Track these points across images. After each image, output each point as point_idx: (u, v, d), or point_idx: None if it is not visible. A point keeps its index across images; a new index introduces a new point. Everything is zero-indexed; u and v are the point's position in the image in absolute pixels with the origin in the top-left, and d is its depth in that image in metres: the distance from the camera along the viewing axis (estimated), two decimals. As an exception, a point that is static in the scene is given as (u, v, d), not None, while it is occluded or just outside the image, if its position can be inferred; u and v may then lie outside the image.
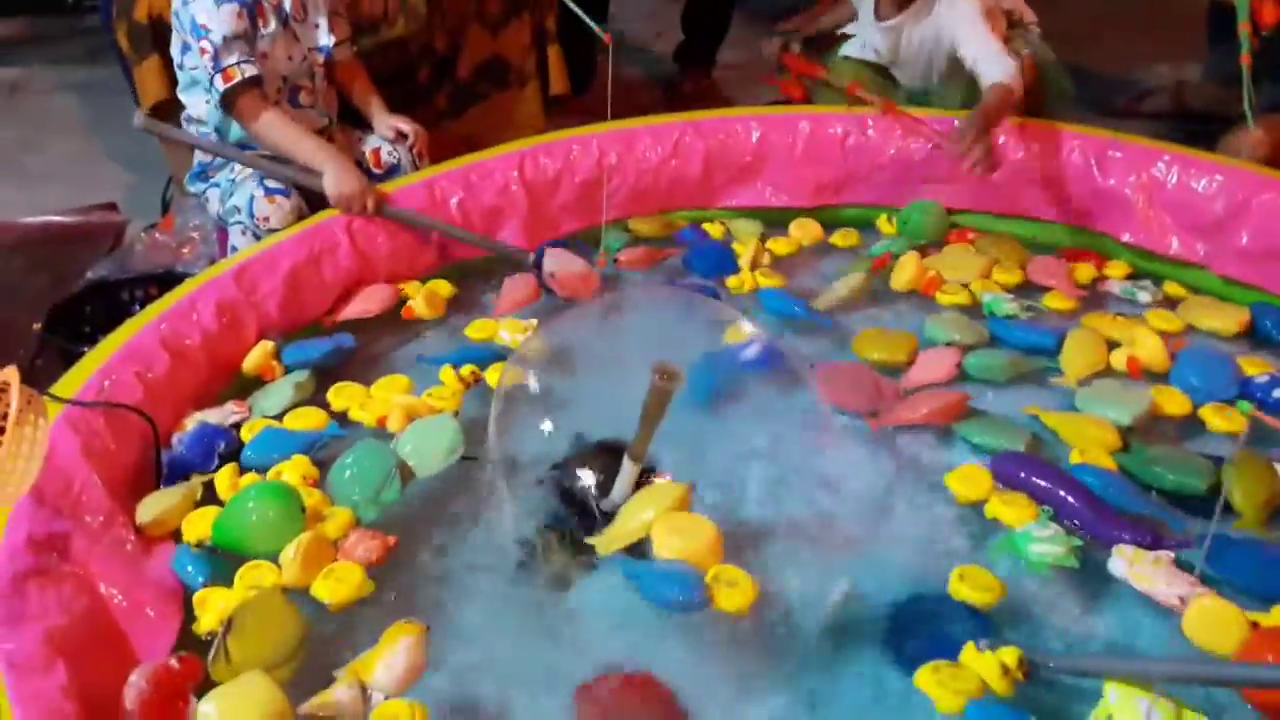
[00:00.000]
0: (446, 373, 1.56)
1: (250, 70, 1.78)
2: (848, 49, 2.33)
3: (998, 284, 1.81)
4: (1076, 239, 1.98)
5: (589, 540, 1.25)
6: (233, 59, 1.78)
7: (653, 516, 1.23)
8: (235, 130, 1.89)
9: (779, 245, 1.96)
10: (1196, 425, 1.51)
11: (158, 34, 2.07)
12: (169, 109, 2.06)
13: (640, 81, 3.33)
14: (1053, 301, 1.78)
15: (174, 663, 1.07)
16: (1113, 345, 1.63)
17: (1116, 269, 1.90)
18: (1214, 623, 1.15)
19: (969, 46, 2.02)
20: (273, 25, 1.85)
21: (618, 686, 1.12)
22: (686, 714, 1.10)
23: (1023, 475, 1.35)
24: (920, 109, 2.10)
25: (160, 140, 2.18)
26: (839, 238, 2.00)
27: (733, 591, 1.17)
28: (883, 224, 2.04)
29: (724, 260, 1.90)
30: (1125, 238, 1.92)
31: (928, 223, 1.99)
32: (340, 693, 1.06)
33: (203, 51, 1.78)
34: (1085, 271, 1.87)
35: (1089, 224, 1.97)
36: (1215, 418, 1.50)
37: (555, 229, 1.99)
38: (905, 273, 1.82)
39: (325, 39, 1.94)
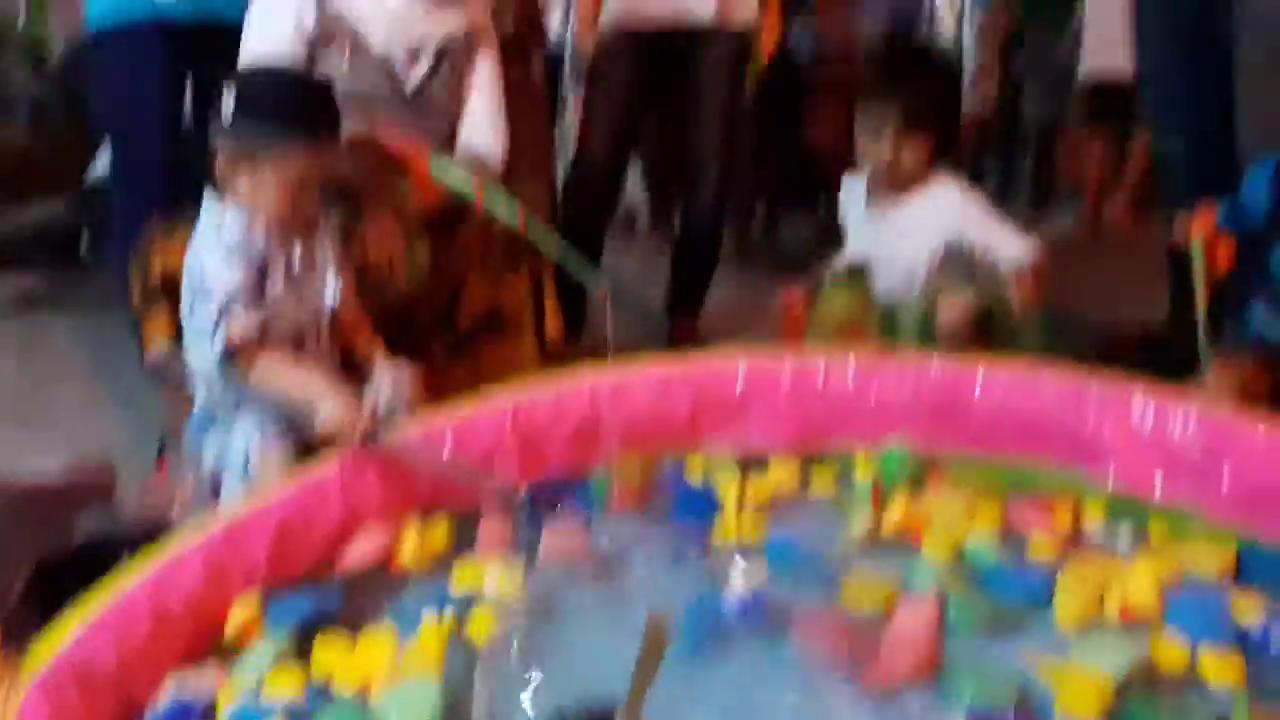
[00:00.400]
0: (427, 627, 1.53)
1: (252, 330, 1.86)
2: (838, 261, 2.47)
3: (981, 530, 1.81)
4: (1055, 480, 1.99)
5: None
6: (236, 318, 1.85)
7: None
8: (232, 392, 1.94)
9: (760, 488, 1.96)
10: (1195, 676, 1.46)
11: (169, 289, 2.16)
12: (171, 360, 2.12)
13: (631, 328, 3.46)
14: (1037, 549, 1.77)
15: None
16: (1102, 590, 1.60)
17: (1093, 510, 1.90)
18: None
19: (978, 230, 2.21)
20: (280, 283, 1.94)
21: None
22: None
23: None
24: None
25: (162, 388, 2.24)
26: (817, 481, 2.00)
27: None
28: (859, 464, 2.06)
29: (708, 504, 1.90)
30: (1108, 480, 1.93)
31: (905, 465, 2.01)
32: None
33: (210, 310, 1.86)
34: (1064, 516, 1.88)
35: (1069, 465, 1.99)
36: (1213, 667, 1.46)
37: (547, 476, 2.01)
38: (892, 517, 1.82)
39: (332, 296, 2.03)
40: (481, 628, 1.52)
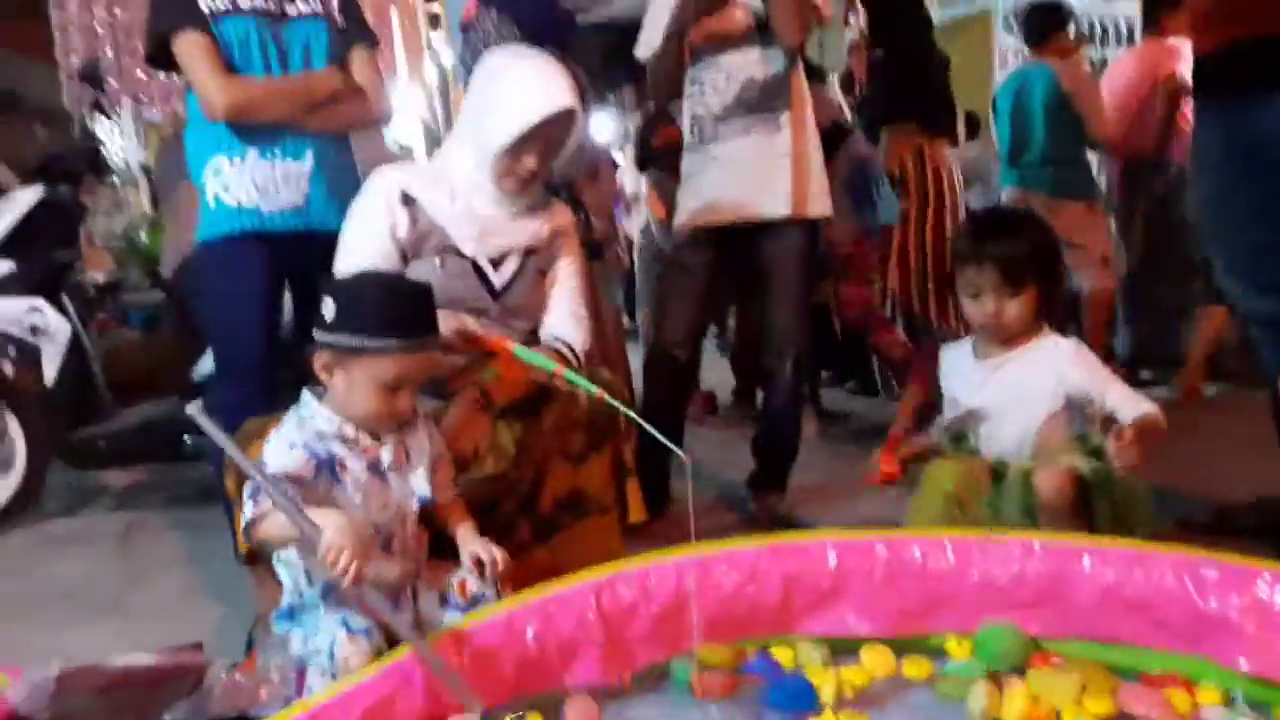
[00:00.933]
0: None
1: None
2: (941, 423, 2.46)
3: (1090, 713, 1.68)
4: (1176, 666, 1.86)
5: None
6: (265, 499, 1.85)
7: None
8: (319, 585, 1.96)
9: (854, 675, 1.88)
10: None
11: None
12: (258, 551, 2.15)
13: (713, 506, 3.42)
14: None
15: None
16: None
17: (1207, 694, 1.76)
18: None
19: (1099, 389, 2.21)
20: (364, 478, 1.98)
21: None
22: None
23: None
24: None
25: (255, 580, 2.27)
26: (910, 665, 1.92)
27: None
28: (952, 647, 1.96)
29: (802, 692, 1.82)
30: (1240, 664, 1.80)
31: (1005, 647, 1.91)
32: None
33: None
34: (1181, 699, 1.74)
35: (1193, 649, 1.86)
36: None
37: (632, 660, 1.95)
38: (1014, 705, 1.72)
39: (424, 487, 2.06)
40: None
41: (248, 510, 1.89)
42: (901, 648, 1.98)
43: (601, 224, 3.47)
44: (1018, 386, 2.34)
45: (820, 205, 3.16)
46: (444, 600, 2.05)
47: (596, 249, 3.51)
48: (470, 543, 2.09)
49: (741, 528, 3.07)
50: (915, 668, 1.92)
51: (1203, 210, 2.36)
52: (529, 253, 2.51)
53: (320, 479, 1.93)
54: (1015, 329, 2.35)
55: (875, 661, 1.93)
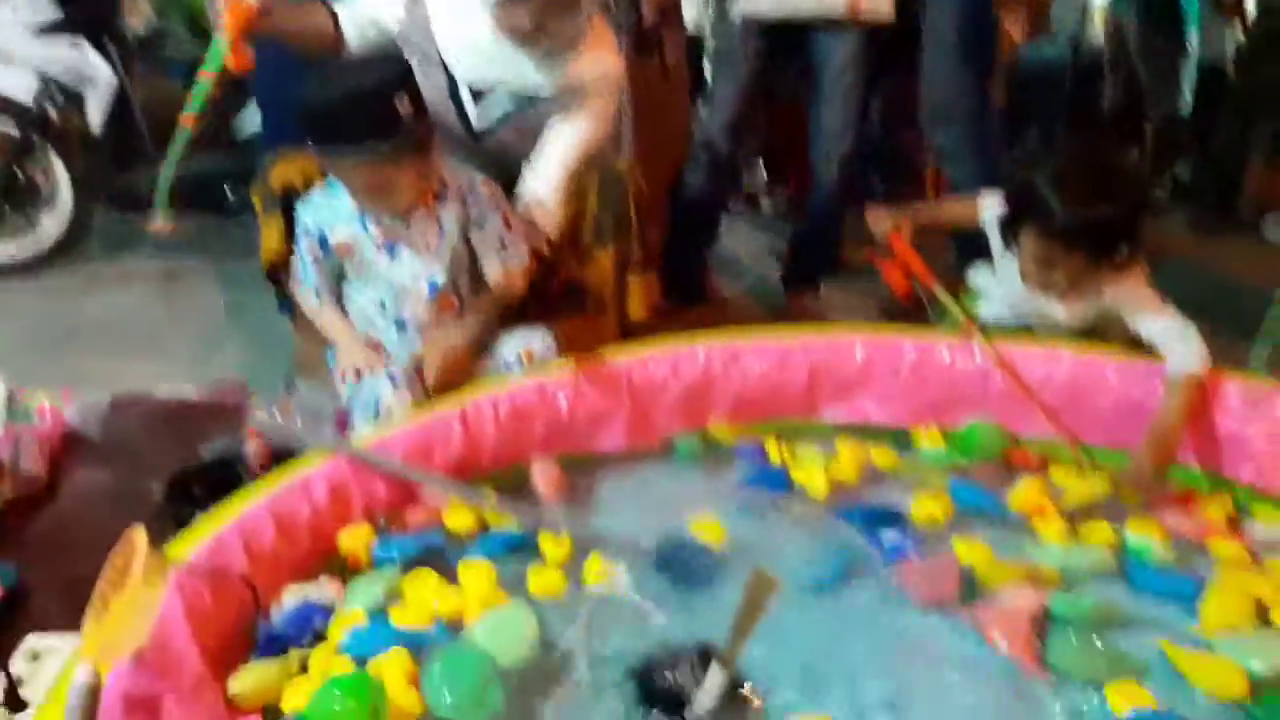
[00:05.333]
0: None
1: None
2: (981, 279, 2.26)
3: (1140, 525, 1.71)
4: (1184, 478, 1.91)
5: None
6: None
7: None
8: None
9: (842, 470, 1.90)
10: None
11: (285, 200, 2.25)
12: (284, 264, 2.23)
13: (745, 299, 3.46)
14: (1215, 546, 1.67)
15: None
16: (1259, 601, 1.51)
17: (1265, 513, 1.79)
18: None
19: (1147, 324, 1.93)
20: (378, 258, 2.07)
21: None
22: None
23: None
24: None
25: (294, 326, 2.35)
26: (878, 457, 1.95)
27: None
28: (920, 438, 2.01)
29: (775, 479, 1.88)
30: (1245, 479, 1.85)
31: (985, 442, 1.97)
32: None
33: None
34: (1217, 510, 1.78)
35: (1204, 465, 1.90)
36: None
37: (657, 433, 2.03)
38: (1027, 492, 1.80)
39: (437, 274, 2.10)
40: (593, 568, 1.55)
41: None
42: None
43: (651, 12, 3.27)
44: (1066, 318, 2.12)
45: (879, 6, 3.01)
46: (508, 369, 2.09)
47: (644, 42, 3.31)
48: (522, 335, 2.12)
49: (773, 321, 3.11)
50: (882, 458, 1.95)
51: None
52: (529, 100, 2.28)
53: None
54: (1078, 289, 2.03)
55: (856, 455, 1.94)
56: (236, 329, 3.21)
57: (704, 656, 1.31)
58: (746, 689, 1.32)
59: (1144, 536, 1.68)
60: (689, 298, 3.31)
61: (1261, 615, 1.50)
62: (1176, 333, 1.90)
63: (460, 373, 2.04)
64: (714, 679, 1.26)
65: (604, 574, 1.52)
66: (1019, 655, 1.40)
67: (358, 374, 2.04)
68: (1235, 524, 1.77)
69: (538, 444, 1.92)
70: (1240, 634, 1.45)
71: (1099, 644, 1.43)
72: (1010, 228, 2.04)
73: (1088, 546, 1.67)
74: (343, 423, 2.04)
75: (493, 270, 2.13)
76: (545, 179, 2.25)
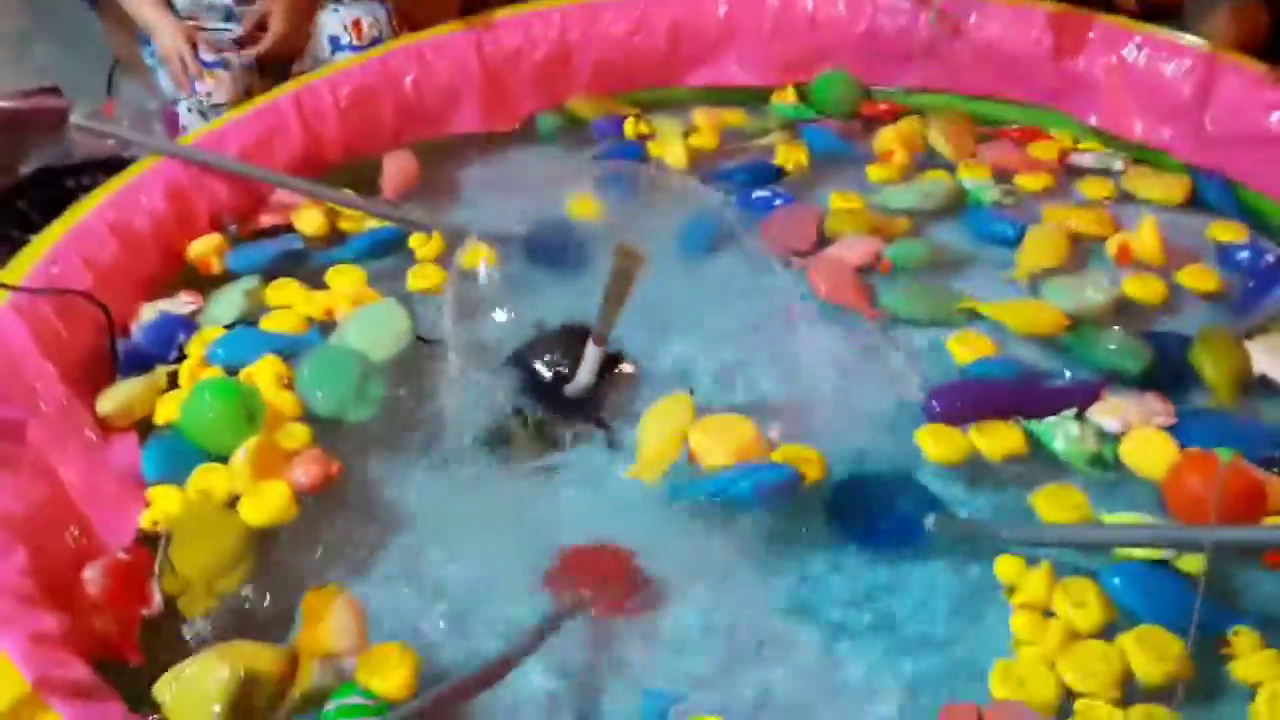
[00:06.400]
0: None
1: None
2: None
3: (975, 167, 1.77)
4: (1033, 119, 1.94)
5: (627, 474, 1.21)
6: None
7: (680, 428, 1.21)
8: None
9: (700, 138, 1.88)
10: (1164, 309, 1.50)
11: None
12: None
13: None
14: (1027, 182, 1.75)
15: (123, 555, 1.07)
16: (1077, 237, 1.60)
17: (1061, 142, 1.86)
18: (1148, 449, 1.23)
19: None
20: None
21: (583, 553, 1.13)
22: (651, 581, 1.12)
23: (960, 405, 1.29)
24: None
25: (100, 20, 2.10)
26: (733, 119, 1.92)
27: (810, 466, 1.19)
28: (777, 96, 1.99)
29: (629, 153, 1.84)
30: (1091, 120, 1.88)
31: (838, 94, 1.96)
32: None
33: None
34: (1045, 149, 1.84)
35: (1051, 104, 1.93)
36: (1190, 279, 1.53)
37: (516, 109, 1.94)
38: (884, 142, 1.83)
39: None
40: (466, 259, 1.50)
41: None
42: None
43: None
44: None
45: None
46: (335, 44, 1.94)
47: None
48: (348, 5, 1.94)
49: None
50: (733, 118, 1.92)
51: None
52: None
53: None
54: None
55: (710, 120, 1.91)
56: (45, 28, 2.85)
57: (578, 334, 1.33)
58: (624, 365, 1.35)
59: (975, 180, 1.74)
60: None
61: (1083, 254, 1.58)
62: None
63: (307, 19, 1.89)
64: (589, 355, 1.29)
65: (474, 263, 1.49)
66: (845, 302, 1.48)
67: (183, 64, 1.87)
68: (1064, 156, 1.83)
69: (386, 132, 1.82)
70: (1057, 275, 1.53)
71: (925, 287, 1.52)
72: None
73: (931, 191, 1.71)
74: (172, 122, 1.88)
75: None
76: None
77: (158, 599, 1.04)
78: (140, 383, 1.30)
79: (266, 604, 1.10)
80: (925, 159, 1.83)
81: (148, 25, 1.91)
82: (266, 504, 1.15)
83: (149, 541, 1.12)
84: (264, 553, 1.15)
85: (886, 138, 1.83)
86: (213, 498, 1.16)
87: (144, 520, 1.14)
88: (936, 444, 1.24)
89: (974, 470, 1.24)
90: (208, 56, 1.83)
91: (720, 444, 1.20)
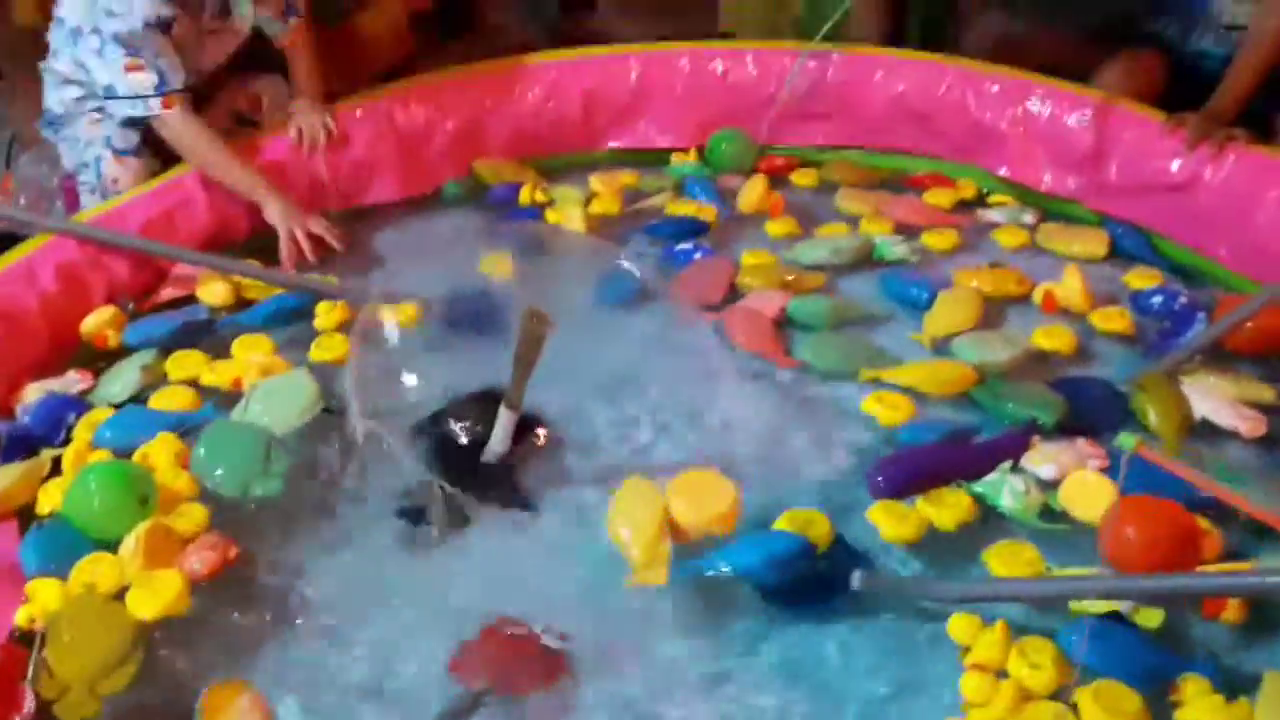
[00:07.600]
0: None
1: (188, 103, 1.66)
2: None
3: (881, 225, 1.78)
4: (942, 170, 1.96)
5: (628, 584, 1.13)
6: (171, 77, 1.63)
7: (657, 517, 1.15)
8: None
9: (601, 204, 1.87)
10: (1074, 358, 1.50)
11: None
12: (32, 39, 1.87)
13: (519, 23, 3.24)
14: (933, 240, 1.75)
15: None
16: (988, 298, 1.60)
17: (997, 195, 1.89)
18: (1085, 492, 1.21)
19: None
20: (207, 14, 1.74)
21: (491, 636, 1.08)
22: (571, 662, 1.06)
23: (903, 480, 1.24)
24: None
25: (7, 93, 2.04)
26: (629, 179, 1.93)
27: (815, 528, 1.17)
28: (676, 157, 2.01)
29: (524, 215, 1.85)
30: (1001, 172, 1.90)
31: (734, 151, 1.98)
32: None
33: (128, 68, 1.62)
34: (941, 196, 1.86)
35: (962, 158, 1.95)
36: (1103, 321, 1.54)
37: (431, 178, 1.93)
38: (752, 194, 1.84)
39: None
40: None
41: (154, 105, 1.65)
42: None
43: None
44: None
45: None
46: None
47: None
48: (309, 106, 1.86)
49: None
50: (634, 180, 1.93)
51: None
52: None
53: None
54: None
55: (610, 186, 1.90)
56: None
57: (491, 399, 1.29)
58: (540, 429, 1.32)
59: (882, 235, 1.74)
60: (455, 29, 3.08)
61: (997, 313, 1.58)
62: None
63: None
64: (502, 420, 1.25)
65: (381, 327, 1.45)
66: (762, 351, 1.48)
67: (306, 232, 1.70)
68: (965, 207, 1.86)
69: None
70: (964, 335, 1.51)
71: (838, 339, 1.52)
72: None
73: (842, 247, 1.71)
74: (73, 197, 1.82)
75: None
76: None
77: (29, 703, 0.96)
78: (21, 468, 1.23)
79: (161, 704, 1.03)
80: (828, 213, 1.84)
81: (259, 199, 1.72)
82: (158, 595, 1.08)
83: (25, 640, 1.04)
84: (157, 648, 1.07)
85: (753, 192, 1.84)
86: (98, 590, 1.09)
87: (20, 617, 1.06)
88: (890, 523, 1.20)
89: (929, 539, 1.20)
90: (121, 145, 1.74)
91: (703, 509, 1.16)
